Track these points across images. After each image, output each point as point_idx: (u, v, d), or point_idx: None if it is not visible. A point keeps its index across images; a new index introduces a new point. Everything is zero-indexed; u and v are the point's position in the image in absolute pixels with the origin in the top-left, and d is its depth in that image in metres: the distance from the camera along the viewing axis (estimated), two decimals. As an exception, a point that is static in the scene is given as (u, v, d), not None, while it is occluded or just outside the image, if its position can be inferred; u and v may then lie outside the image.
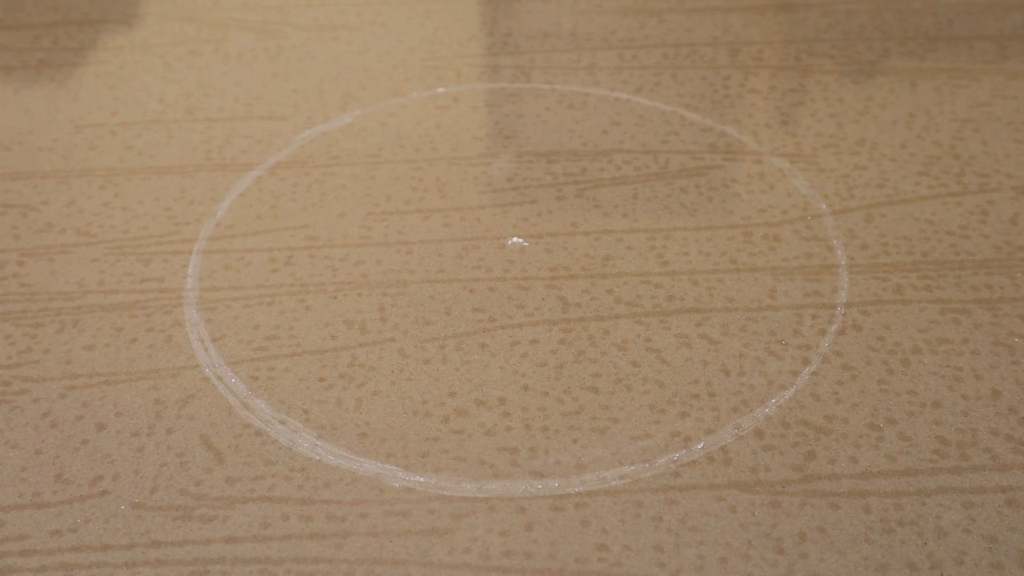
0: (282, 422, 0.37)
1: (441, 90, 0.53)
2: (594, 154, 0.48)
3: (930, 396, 0.37)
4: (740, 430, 0.36)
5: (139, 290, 0.42)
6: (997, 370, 0.38)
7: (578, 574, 0.32)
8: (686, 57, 0.55)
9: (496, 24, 0.57)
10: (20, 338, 0.40)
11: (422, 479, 0.35)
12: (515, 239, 0.42)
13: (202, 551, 0.33)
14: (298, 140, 0.50)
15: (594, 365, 0.38)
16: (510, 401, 0.37)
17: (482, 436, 0.36)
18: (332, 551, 0.33)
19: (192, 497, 0.34)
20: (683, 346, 0.39)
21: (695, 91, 0.52)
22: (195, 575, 0.32)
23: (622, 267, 0.42)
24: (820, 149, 0.49)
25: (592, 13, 0.58)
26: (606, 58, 0.55)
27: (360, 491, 0.34)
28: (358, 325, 0.40)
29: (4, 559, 0.33)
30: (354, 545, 0.33)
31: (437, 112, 0.51)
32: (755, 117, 0.51)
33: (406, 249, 0.43)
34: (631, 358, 0.39)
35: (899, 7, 0.59)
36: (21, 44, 0.57)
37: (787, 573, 0.32)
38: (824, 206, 0.45)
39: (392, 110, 0.52)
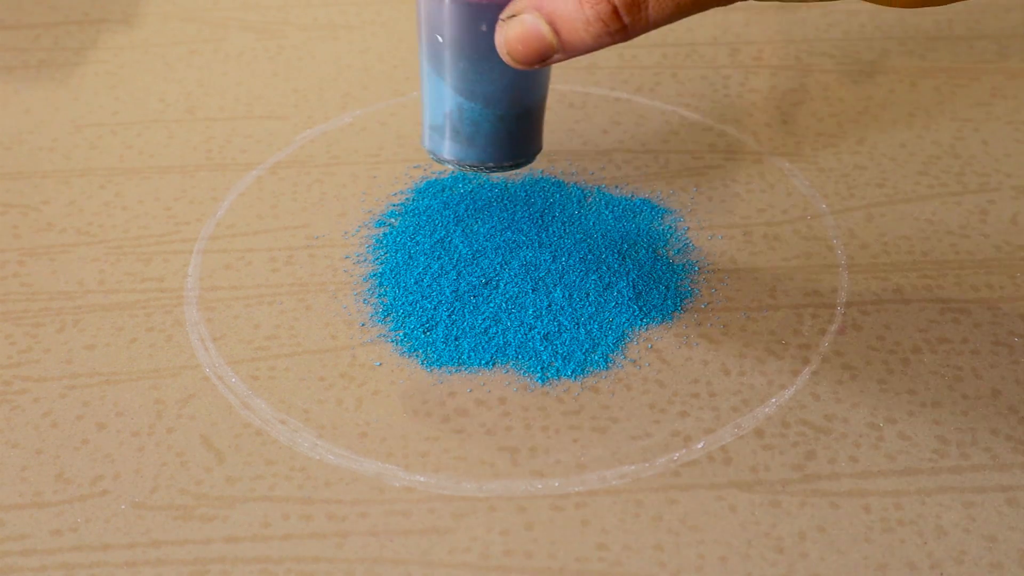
0: (282, 422, 0.37)
1: (441, 90, 0.53)
2: (594, 154, 0.48)
3: (930, 396, 0.37)
4: (740, 429, 0.36)
5: (139, 290, 0.42)
6: (997, 370, 0.38)
7: (578, 574, 0.32)
8: (686, 57, 0.55)
9: (496, 24, 0.57)
10: (20, 338, 0.40)
11: (422, 479, 0.35)
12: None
13: (202, 550, 0.33)
14: (298, 140, 0.50)
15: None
16: (510, 401, 0.37)
17: (482, 436, 0.36)
18: (332, 551, 0.33)
19: (192, 497, 0.34)
20: (683, 346, 0.39)
21: (695, 91, 0.52)
22: (195, 575, 0.32)
23: (622, 267, 0.42)
24: (820, 149, 0.49)
25: (592, 13, 0.58)
26: (606, 58, 0.55)
27: (360, 491, 0.34)
28: (358, 324, 0.40)
29: (5, 559, 0.33)
30: (354, 544, 0.33)
31: (437, 112, 0.51)
32: (755, 117, 0.51)
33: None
34: (631, 357, 0.39)
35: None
36: (21, 44, 0.57)
37: (787, 573, 0.32)
38: (824, 206, 0.45)
39: (392, 110, 0.52)
